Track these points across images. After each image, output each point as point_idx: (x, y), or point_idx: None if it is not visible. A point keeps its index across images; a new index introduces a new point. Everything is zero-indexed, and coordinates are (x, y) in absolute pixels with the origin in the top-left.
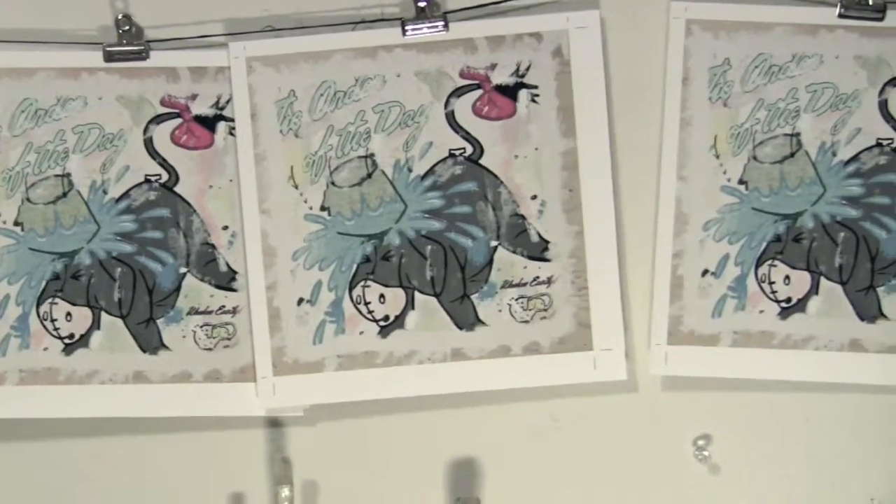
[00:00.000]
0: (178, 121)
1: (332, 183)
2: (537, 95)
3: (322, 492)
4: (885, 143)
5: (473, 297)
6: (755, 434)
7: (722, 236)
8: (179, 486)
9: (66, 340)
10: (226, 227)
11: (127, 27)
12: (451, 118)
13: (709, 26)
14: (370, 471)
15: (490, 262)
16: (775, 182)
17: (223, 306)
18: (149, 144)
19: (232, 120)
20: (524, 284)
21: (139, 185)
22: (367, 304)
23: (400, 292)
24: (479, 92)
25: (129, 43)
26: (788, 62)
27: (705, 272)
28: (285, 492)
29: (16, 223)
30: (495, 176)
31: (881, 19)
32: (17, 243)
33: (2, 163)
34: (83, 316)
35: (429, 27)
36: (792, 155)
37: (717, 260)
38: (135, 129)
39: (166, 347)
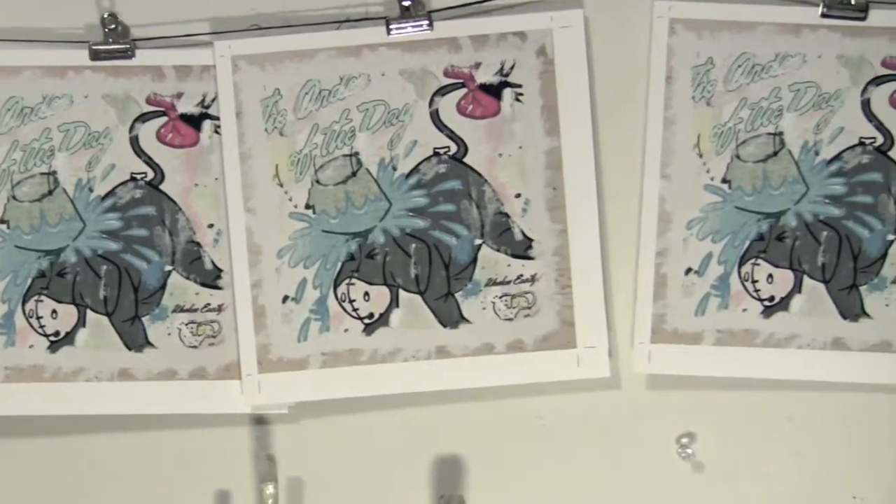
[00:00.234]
0: (164, 119)
1: (317, 181)
2: (521, 94)
3: (307, 489)
4: (867, 142)
5: (457, 295)
6: (738, 432)
7: (705, 235)
8: (165, 484)
9: (52, 338)
10: (211, 226)
11: (113, 26)
12: (435, 117)
13: (692, 25)
14: (355, 468)
15: (474, 261)
16: (758, 181)
17: (208, 304)
18: (134, 143)
19: (217, 118)
20: (508, 282)
21: (125, 183)
22: (351, 301)
23: (384, 290)
24: (463, 91)
25: (114, 41)
26: (771, 61)
27: (688, 271)
28: (270, 489)
29: (1, 221)
30: (479, 174)
31: (863, 19)
32: (3, 241)
33: None
34: (69, 313)
35: (413, 26)
36: (775, 154)
37: (700, 258)
38: (120, 128)
39: (151, 345)
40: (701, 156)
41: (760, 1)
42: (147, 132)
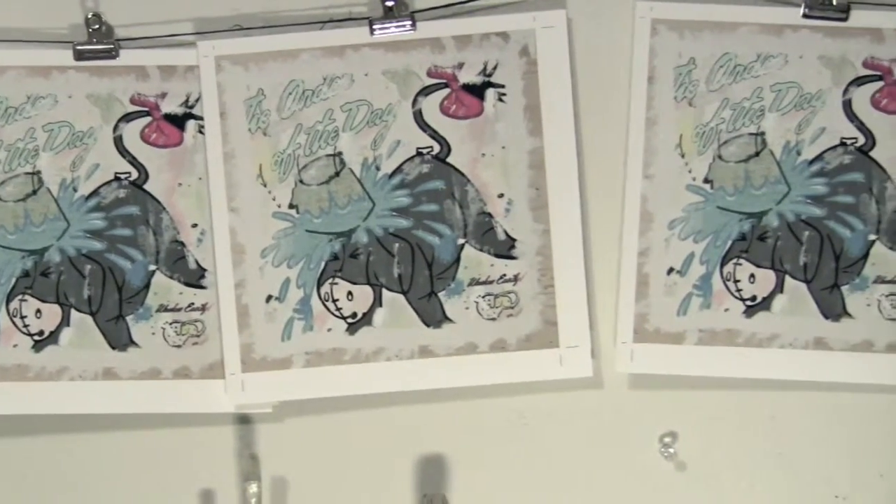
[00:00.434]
0: (148, 119)
1: (301, 181)
2: (504, 94)
3: (291, 488)
4: (849, 142)
5: (440, 294)
6: (721, 431)
7: (687, 235)
8: (149, 483)
9: (36, 337)
10: (195, 225)
11: (97, 26)
12: (418, 117)
13: (674, 26)
14: (338, 467)
15: (457, 260)
16: (740, 181)
17: (192, 303)
18: (119, 142)
19: (201, 118)
20: (491, 282)
21: (109, 182)
22: (335, 301)
23: (367, 290)
24: (446, 91)
25: (99, 41)
26: (753, 62)
27: (671, 270)
28: (253, 488)
29: None
30: (462, 174)
31: (845, 19)
32: None
33: None
34: (53, 313)
35: (396, 26)
36: (757, 154)
37: (682, 258)
38: (105, 128)
39: (135, 344)
40: (683, 156)
41: (742, 1)
42: (131, 132)
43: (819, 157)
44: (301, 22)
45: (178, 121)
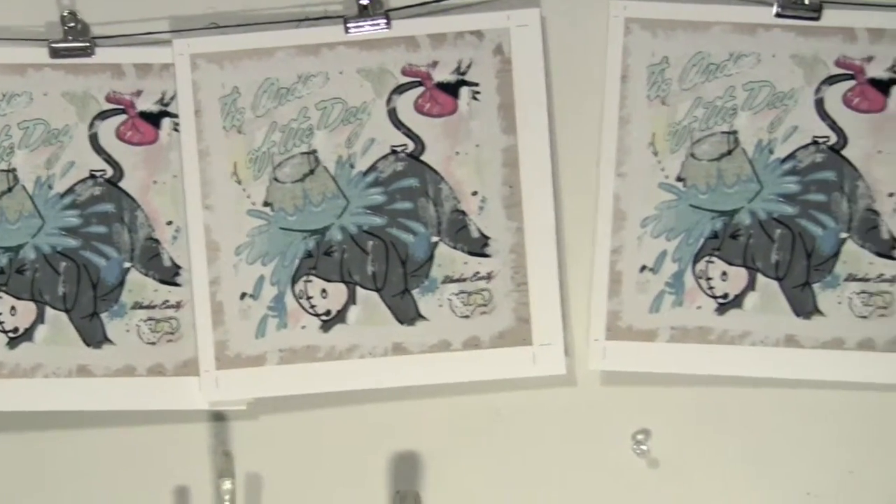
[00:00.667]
0: (123, 117)
1: (275, 179)
2: (478, 93)
3: (265, 484)
4: (821, 140)
5: (414, 292)
6: (693, 428)
7: (660, 233)
8: (123, 480)
9: (11, 334)
10: (170, 223)
11: (73, 24)
12: (393, 115)
13: (647, 25)
14: (312, 463)
15: (431, 258)
16: (713, 179)
17: (167, 301)
18: (94, 140)
19: (176, 116)
20: (464, 280)
21: (84, 180)
22: (309, 298)
23: (342, 287)
24: (420, 89)
25: (74, 39)
26: (726, 61)
27: (643, 268)
28: (227, 485)
29: None
30: (436, 172)
31: (817, 18)
32: None
33: None
34: (28, 310)
35: (371, 25)
36: (729, 152)
37: (654, 256)
38: (80, 125)
39: (110, 341)
40: (656, 154)
41: (715, 1)
42: (106, 130)
43: (791, 156)
44: (276, 20)
45: (154, 118)
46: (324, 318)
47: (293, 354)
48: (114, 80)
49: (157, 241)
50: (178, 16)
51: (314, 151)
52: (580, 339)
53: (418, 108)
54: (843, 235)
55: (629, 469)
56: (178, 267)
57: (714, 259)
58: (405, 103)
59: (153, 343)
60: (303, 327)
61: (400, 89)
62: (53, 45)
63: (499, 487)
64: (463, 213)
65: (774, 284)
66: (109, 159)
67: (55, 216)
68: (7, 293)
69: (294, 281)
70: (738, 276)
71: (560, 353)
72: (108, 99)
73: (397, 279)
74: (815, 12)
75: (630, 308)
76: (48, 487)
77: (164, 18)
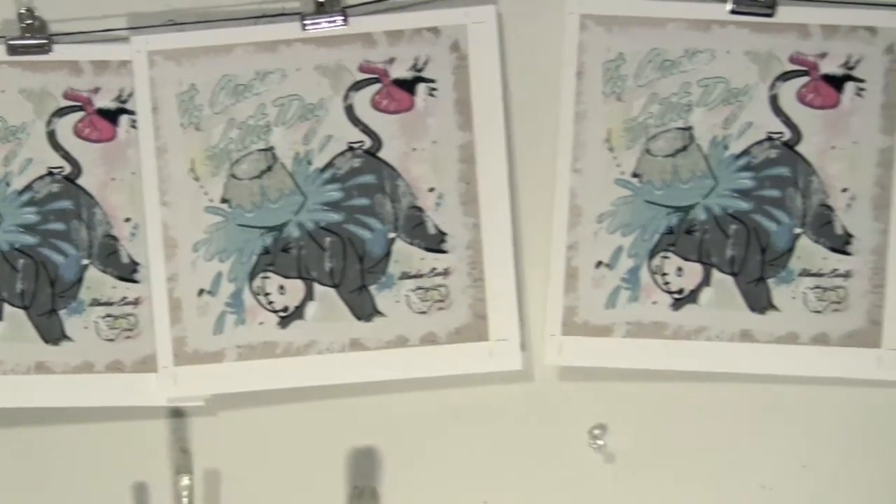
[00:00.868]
0: (81, 114)
1: (233, 175)
2: (435, 89)
3: (224, 480)
4: (775, 136)
5: (372, 288)
6: (649, 423)
7: (615, 228)
8: (82, 476)
9: None
10: (128, 220)
11: (30, 21)
12: (350, 112)
13: (603, 21)
14: (271, 459)
15: (388, 254)
16: (668, 175)
17: (125, 297)
18: (52, 137)
19: (134, 113)
20: (421, 276)
21: (42, 177)
22: (266, 295)
23: (299, 283)
24: (377, 86)
25: (31, 36)
26: (681, 57)
27: (599, 264)
28: (185, 481)
29: None
30: (393, 169)
31: (771, 15)
32: None
33: None
34: None
35: (328, 22)
36: (684, 148)
37: (610, 252)
38: (38, 122)
39: (68, 338)
40: (612, 150)
41: None
42: (64, 127)
43: (746, 152)
44: (234, 17)
45: (112, 115)
46: (281, 314)
47: (251, 351)
48: (71, 78)
49: (115, 238)
50: (136, 13)
51: (272, 148)
52: (536, 335)
53: (375, 105)
54: (798, 231)
55: (586, 463)
56: (137, 264)
57: (669, 255)
58: (362, 100)
59: (112, 340)
60: (260, 323)
61: (357, 86)
62: (10, 42)
63: (455, 482)
64: (420, 209)
65: (729, 280)
66: (67, 156)
67: (13, 213)
68: None
69: (252, 277)
70: (694, 271)
71: (516, 349)
72: (66, 96)
73: (354, 275)
74: (770, 9)
75: (586, 303)
76: (5, 484)
77: (121, 15)
